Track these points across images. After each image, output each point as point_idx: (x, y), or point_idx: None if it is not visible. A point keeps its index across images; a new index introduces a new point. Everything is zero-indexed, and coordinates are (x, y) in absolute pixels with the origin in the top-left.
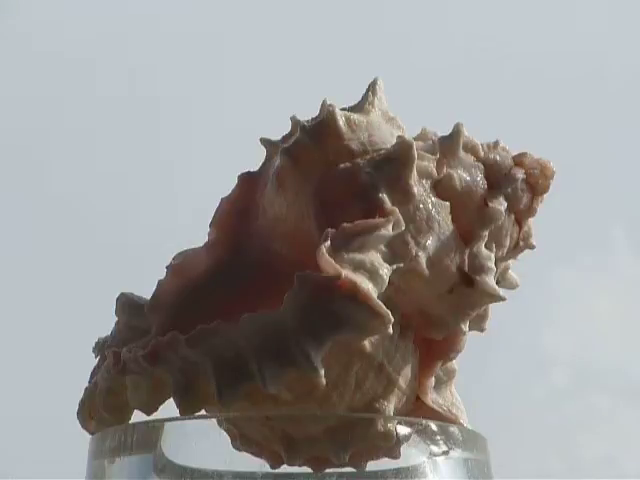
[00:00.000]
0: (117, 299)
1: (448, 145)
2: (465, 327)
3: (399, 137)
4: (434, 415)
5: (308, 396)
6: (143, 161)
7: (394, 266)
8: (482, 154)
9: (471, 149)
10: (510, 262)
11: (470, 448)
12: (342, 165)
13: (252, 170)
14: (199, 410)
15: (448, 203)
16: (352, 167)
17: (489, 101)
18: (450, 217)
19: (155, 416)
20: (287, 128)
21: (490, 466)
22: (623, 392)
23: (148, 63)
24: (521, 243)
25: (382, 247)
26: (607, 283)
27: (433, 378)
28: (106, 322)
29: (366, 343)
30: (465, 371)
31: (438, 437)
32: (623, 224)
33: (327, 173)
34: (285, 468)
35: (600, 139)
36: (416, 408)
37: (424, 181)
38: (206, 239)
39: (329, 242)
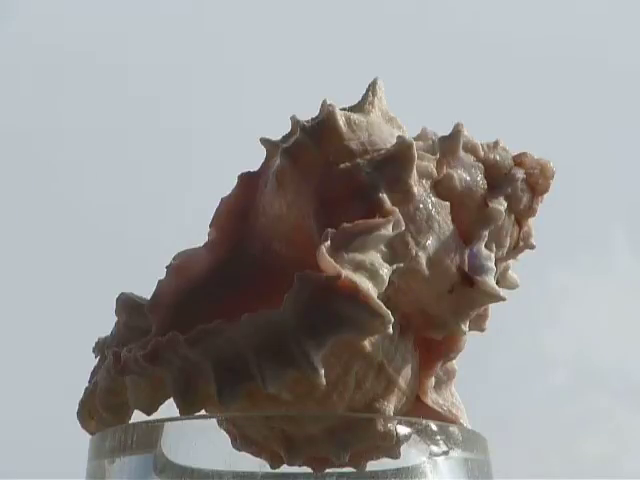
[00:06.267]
0: (117, 299)
1: (448, 145)
2: (465, 327)
3: (399, 137)
4: (434, 415)
5: (308, 396)
6: (143, 161)
7: (394, 266)
8: (482, 154)
9: (471, 149)
10: (510, 262)
11: (470, 448)
12: (342, 165)
13: (252, 170)
14: (199, 410)
15: (448, 203)
16: (352, 167)
17: (489, 101)
18: (450, 217)
19: (155, 416)
20: (287, 128)
21: (490, 466)
22: (623, 392)
23: (148, 62)
24: (521, 243)
25: (382, 247)
26: (607, 283)
27: (433, 378)
28: (106, 322)
29: (366, 343)
30: (465, 371)
31: (438, 437)
32: (623, 224)
33: (327, 173)
34: (285, 468)
35: (600, 139)
36: (416, 408)
37: (424, 181)
38: (206, 239)
39: (329, 242)
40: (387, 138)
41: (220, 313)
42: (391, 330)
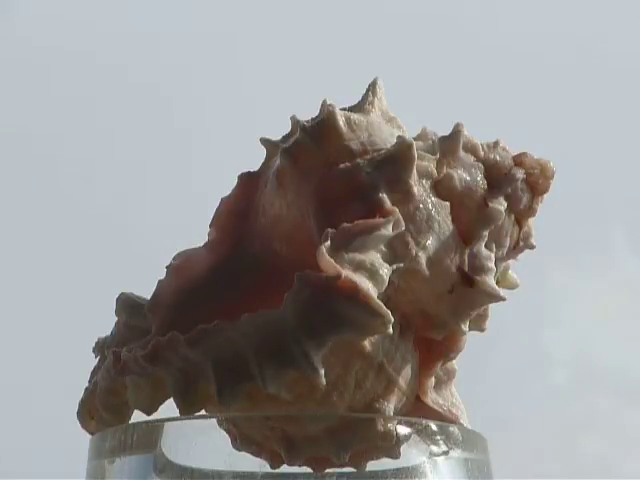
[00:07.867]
0: (117, 299)
1: (448, 145)
2: (465, 327)
3: (399, 137)
4: (434, 415)
5: (308, 396)
6: (143, 161)
7: (394, 266)
8: (482, 154)
9: (471, 149)
10: (510, 262)
11: (470, 448)
12: (342, 165)
13: (252, 170)
14: (199, 410)
15: (448, 203)
16: (352, 167)
17: (489, 101)
18: (450, 217)
19: (155, 416)
20: (287, 128)
21: (490, 466)
22: (623, 392)
23: (148, 62)
24: (521, 243)
25: (382, 247)
26: (607, 283)
27: (433, 378)
28: (106, 322)
29: (366, 343)
30: (465, 371)
31: (438, 437)
32: (623, 224)
33: (327, 173)
34: (285, 468)
35: (600, 139)
36: (416, 408)
37: (424, 181)
38: (206, 239)
39: (329, 242)
40: (387, 138)
41: (220, 313)
42: (391, 330)
